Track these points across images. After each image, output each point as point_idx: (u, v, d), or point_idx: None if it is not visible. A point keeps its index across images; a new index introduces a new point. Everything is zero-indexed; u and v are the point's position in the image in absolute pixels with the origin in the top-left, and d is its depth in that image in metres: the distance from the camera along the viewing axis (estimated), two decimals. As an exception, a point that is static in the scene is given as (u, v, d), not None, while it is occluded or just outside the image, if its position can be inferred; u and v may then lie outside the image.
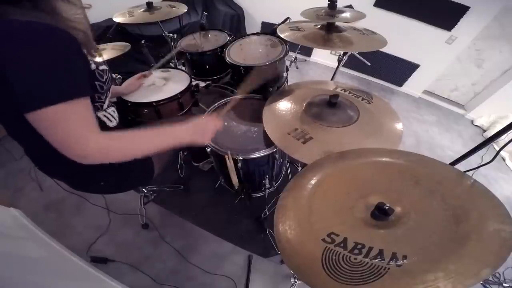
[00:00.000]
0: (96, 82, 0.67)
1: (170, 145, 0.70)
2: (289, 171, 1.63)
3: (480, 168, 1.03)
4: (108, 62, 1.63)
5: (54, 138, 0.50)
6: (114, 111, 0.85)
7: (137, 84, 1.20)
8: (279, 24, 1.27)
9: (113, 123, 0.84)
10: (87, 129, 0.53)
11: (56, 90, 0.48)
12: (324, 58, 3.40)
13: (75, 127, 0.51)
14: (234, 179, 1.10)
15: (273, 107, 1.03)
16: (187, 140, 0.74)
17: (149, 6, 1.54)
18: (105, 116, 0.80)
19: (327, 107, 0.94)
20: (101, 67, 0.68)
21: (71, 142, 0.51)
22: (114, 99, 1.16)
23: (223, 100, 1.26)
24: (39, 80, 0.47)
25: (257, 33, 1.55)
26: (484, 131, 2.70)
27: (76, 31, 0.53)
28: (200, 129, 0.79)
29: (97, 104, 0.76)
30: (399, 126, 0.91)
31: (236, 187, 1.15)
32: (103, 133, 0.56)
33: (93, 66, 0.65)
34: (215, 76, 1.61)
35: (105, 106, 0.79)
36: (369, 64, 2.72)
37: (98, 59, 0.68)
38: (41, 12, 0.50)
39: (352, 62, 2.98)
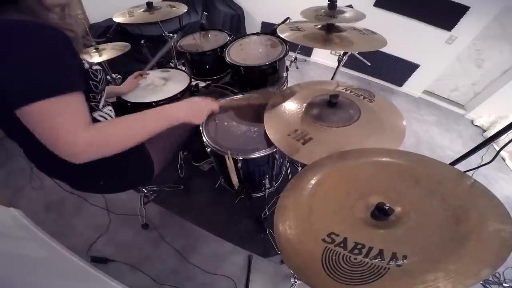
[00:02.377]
0: (90, 82, 0.67)
1: (164, 126, 0.68)
2: (289, 171, 1.63)
3: (480, 168, 1.03)
4: (108, 62, 1.65)
5: (42, 135, 0.49)
6: (111, 110, 0.85)
7: (135, 83, 1.20)
8: (279, 24, 1.28)
9: None
10: (77, 125, 0.51)
11: (43, 85, 0.47)
12: (324, 58, 3.40)
13: (64, 124, 0.49)
14: (234, 179, 1.10)
15: (273, 108, 1.03)
16: (181, 119, 0.72)
17: (149, 6, 1.54)
18: (101, 116, 0.80)
19: (327, 107, 0.94)
20: (94, 67, 0.69)
21: (58, 140, 0.49)
22: (114, 99, 1.16)
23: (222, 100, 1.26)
24: (25, 75, 0.46)
25: (257, 33, 1.55)
26: (484, 131, 2.70)
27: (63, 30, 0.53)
28: (195, 109, 0.78)
29: (92, 104, 0.76)
30: (402, 123, 0.90)
31: (236, 187, 1.15)
32: (92, 126, 0.54)
33: (86, 66, 0.65)
34: (215, 76, 1.61)
35: (100, 105, 0.79)
36: (369, 64, 2.72)
37: (96, 59, 0.68)
38: (24, 14, 0.50)
39: (352, 62, 2.98)
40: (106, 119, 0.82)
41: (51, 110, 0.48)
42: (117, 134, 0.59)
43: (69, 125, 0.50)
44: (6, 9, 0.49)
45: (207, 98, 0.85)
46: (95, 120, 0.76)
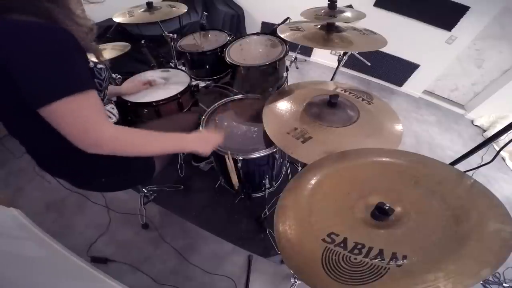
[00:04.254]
0: (95, 80, 0.68)
1: (176, 150, 0.76)
2: (289, 171, 1.63)
3: (480, 168, 1.03)
4: (108, 62, 1.65)
5: (71, 128, 0.52)
6: (113, 108, 0.85)
7: (138, 88, 1.20)
8: (279, 24, 1.27)
9: (113, 120, 0.85)
10: (102, 117, 0.56)
11: (69, 81, 0.50)
12: (324, 58, 3.40)
13: (91, 116, 0.53)
14: (234, 179, 1.10)
15: (273, 107, 1.03)
16: (190, 148, 0.79)
17: (149, 6, 1.54)
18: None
19: (327, 107, 0.94)
20: (99, 66, 0.70)
21: (88, 130, 0.53)
22: (114, 98, 1.16)
23: (223, 100, 1.26)
24: (51, 74, 0.48)
25: (257, 33, 1.55)
26: (484, 131, 2.70)
27: (70, 29, 0.53)
28: (204, 141, 0.83)
29: None
30: (399, 127, 0.91)
31: (236, 187, 1.15)
32: (119, 125, 0.59)
33: (91, 64, 0.66)
34: (215, 76, 1.61)
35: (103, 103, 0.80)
36: (369, 64, 2.72)
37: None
38: (32, 15, 0.51)
39: (352, 62, 2.99)
40: (109, 116, 0.83)
41: (75, 106, 0.51)
42: (137, 139, 0.63)
43: (95, 118, 0.54)
44: (13, 11, 0.49)
45: (214, 132, 0.90)
46: None
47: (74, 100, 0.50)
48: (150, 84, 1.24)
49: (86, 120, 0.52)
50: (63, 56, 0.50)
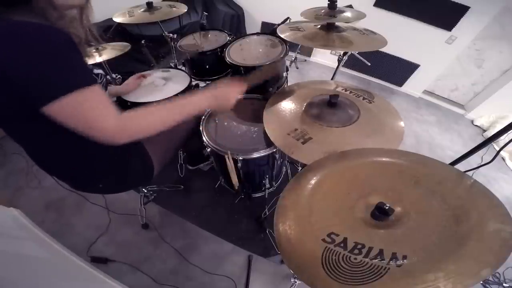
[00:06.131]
0: None
1: (191, 115, 0.71)
2: (289, 171, 1.63)
3: (480, 168, 1.03)
4: (108, 62, 1.65)
5: (75, 125, 0.53)
6: None
7: (136, 84, 1.21)
8: (279, 24, 1.27)
9: None
10: (106, 111, 0.56)
11: (65, 81, 0.50)
12: (324, 58, 3.40)
13: (94, 110, 0.53)
14: (234, 179, 1.10)
15: (273, 107, 1.03)
16: (208, 107, 0.75)
17: (149, 6, 1.54)
18: None
19: (327, 107, 0.94)
20: (95, 71, 0.70)
21: (92, 126, 0.54)
22: (114, 99, 1.16)
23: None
24: (54, 71, 0.48)
25: (257, 33, 1.55)
26: (484, 131, 2.70)
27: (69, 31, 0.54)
28: (222, 95, 0.77)
29: None
30: (400, 124, 0.90)
31: (236, 187, 1.15)
32: (125, 114, 0.59)
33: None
34: (215, 76, 1.61)
35: None
36: (369, 64, 2.73)
37: (96, 59, 0.69)
38: (35, 15, 0.51)
39: (352, 62, 2.99)
40: None
41: (78, 103, 0.51)
42: (147, 123, 0.63)
43: (99, 114, 0.54)
44: (17, 10, 0.50)
45: (233, 83, 0.82)
46: None
47: (80, 94, 0.50)
48: (144, 77, 1.25)
49: (89, 118, 0.53)
50: (67, 53, 0.50)
